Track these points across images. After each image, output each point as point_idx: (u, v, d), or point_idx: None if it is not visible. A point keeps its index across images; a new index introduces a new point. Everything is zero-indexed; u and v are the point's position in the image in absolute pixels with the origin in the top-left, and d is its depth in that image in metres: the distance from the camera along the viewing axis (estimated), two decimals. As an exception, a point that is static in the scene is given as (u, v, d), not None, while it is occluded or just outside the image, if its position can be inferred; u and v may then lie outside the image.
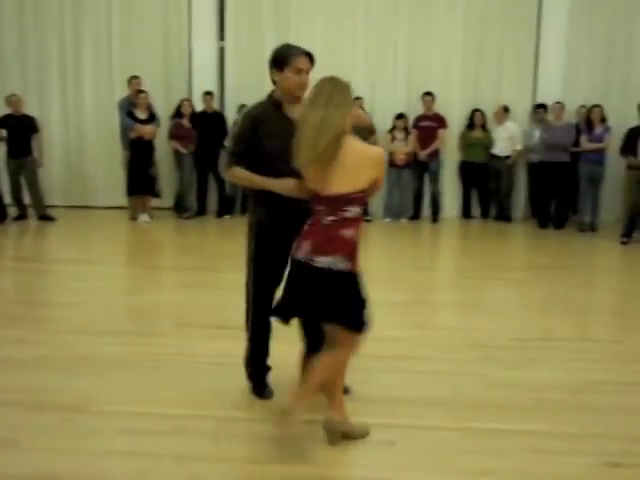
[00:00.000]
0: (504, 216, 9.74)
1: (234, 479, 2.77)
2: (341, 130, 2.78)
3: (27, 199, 9.24)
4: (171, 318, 5.05)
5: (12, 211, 9.13)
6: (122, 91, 9.68)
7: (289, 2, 9.90)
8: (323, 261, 2.80)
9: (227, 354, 4.09)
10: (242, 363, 3.57)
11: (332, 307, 2.85)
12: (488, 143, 9.65)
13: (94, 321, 4.76)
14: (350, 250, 2.83)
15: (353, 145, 2.82)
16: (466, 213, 9.96)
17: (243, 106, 9.63)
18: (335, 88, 2.91)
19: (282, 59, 3.24)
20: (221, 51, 10.18)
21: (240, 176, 3.26)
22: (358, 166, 2.81)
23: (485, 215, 9.94)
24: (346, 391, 3.30)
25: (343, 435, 3.03)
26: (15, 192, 9.14)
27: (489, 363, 4.04)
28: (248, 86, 10.00)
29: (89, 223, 9.35)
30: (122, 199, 9.75)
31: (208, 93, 9.58)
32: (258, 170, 3.16)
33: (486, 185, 9.81)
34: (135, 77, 9.46)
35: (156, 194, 9.38)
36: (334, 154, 2.76)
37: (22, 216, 9.15)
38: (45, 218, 9.09)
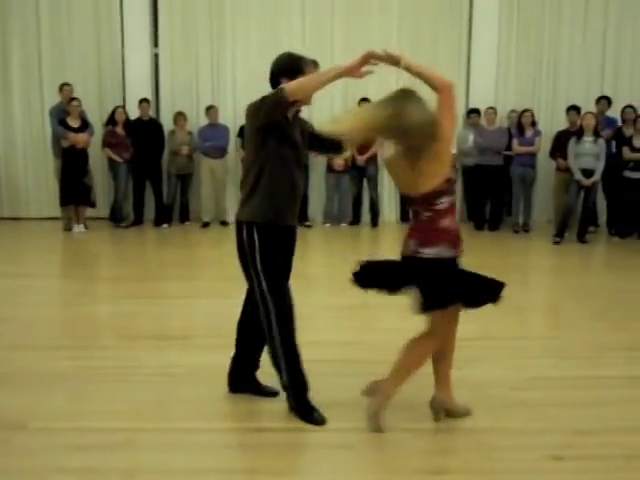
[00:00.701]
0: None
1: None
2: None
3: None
4: (112, 330, 4.94)
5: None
6: (53, 99, 9.44)
7: (223, 8, 9.84)
8: (429, 252, 2.99)
9: (172, 364, 4.04)
10: (280, 388, 3.35)
11: (435, 293, 3.02)
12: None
13: (31, 336, 4.61)
14: (452, 238, 3.03)
15: None
16: (404, 217, 10.09)
17: (180, 113, 9.54)
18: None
19: (295, 67, 3.28)
20: (155, 57, 10.04)
21: (307, 81, 3.03)
22: (429, 160, 2.91)
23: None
24: (273, 394, 3.45)
25: (446, 413, 3.23)
26: (-59, 204, 8.79)
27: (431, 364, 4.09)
28: (183, 93, 9.92)
29: (21, 235, 9.05)
30: (55, 210, 9.48)
31: (144, 100, 9.44)
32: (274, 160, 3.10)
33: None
34: (67, 84, 9.24)
35: (91, 204, 9.17)
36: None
37: (-51, 229, 8.80)
38: (-26, 231, 8.77)
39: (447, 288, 3.05)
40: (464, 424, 3.27)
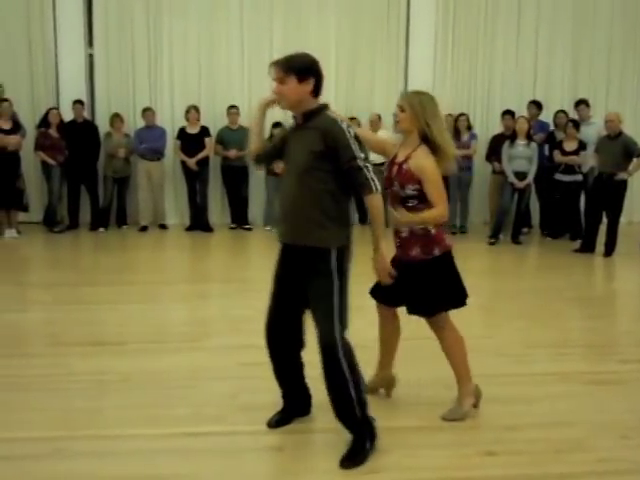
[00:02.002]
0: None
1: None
2: None
3: None
4: (43, 337, 4.80)
5: None
6: (-18, 100, 9.13)
7: (161, 7, 9.70)
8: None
9: (105, 371, 3.96)
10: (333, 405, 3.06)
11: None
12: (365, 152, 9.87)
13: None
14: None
15: None
16: (362, 219, 10.07)
17: (117, 115, 9.36)
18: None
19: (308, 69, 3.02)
20: (90, 58, 9.83)
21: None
22: None
23: (363, 221, 10.16)
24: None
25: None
26: None
27: (367, 365, 4.12)
28: (119, 94, 9.75)
29: (-51, 240, 8.71)
30: (-15, 214, 9.16)
31: (78, 102, 9.22)
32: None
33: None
34: (-3, 85, 8.96)
35: (23, 208, 8.90)
36: None
37: None
38: None
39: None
40: (396, 423, 3.30)
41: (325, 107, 2.99)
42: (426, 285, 3.32)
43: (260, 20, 9.88)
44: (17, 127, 8.79)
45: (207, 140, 9.42)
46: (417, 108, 3.22)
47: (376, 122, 9.81)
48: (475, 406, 3.49)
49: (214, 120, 9.69)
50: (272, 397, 3.48)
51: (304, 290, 3.01)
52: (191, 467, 2.89)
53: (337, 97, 10.05)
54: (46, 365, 4.08)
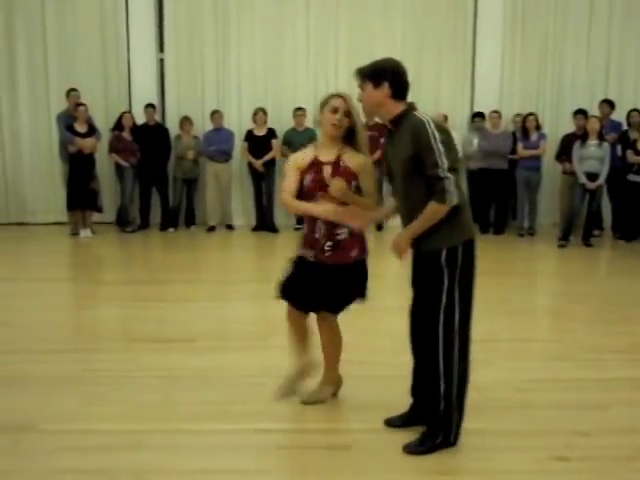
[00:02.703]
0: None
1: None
2: None
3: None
4: (116, 333, 4.96)
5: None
6: (59, 105, 9.50)
7: (229, 12, 9.90)
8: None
9: (175, 367, 4.07)
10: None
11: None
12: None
13: (36, 339, 4.65)
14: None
15: None
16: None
17: (186, 118, 9.58)
18: None
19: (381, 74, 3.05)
20: (161, 63, 10.11)
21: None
22: None
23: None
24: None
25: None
26: (-51, 209, 8.87)
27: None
28: (189, 98, 9.98)
29: (28, 240, 9.11)
30: (62, 214, 9.54)
31: (150, 105, 9.50)
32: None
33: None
34: (73, 90, 9.30)
35: (98, 208, 9.23)
36: None
37: (-43, 234, 8.87)
38: (-19, 236, 8.83)
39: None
40: (465, 424, 3.28)
41: (411, 108, 2.98)
42: (358, 283, 3.40)
43: (326, 23, 9.94)
44: (92, 130, 9.12)
45: (274, 142, 9.54)
46: (354, 111, 3.26)
47: (441, 122, 9.73)
48: (334, 395, 3.57)
49: (280, 122, 9.81)
50: (339, 395, 3.53)
51: (424, 293, 3.06)
52: (260, 462, 2.95)
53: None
54: (120, 360, 4.23)
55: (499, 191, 9.48)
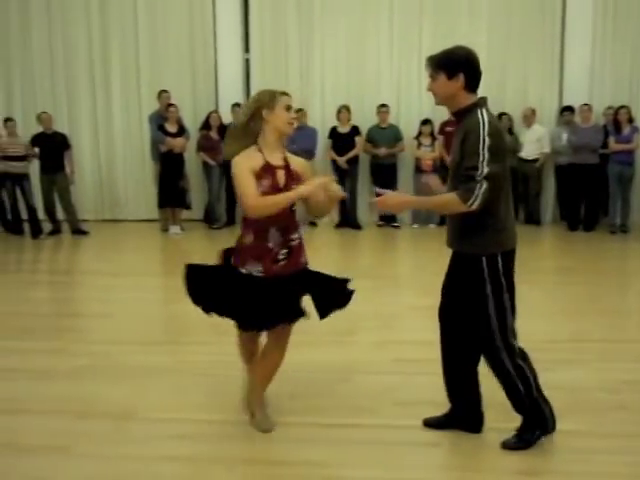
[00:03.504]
0: (533, 219, 9.70)
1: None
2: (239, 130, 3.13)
3: (60, 214, 9.44)
4: (207, 327, 5.08)
5: (46, 226, 9.31)
6: (150, 105, 9.86)
7: (312, 13, 10.00)
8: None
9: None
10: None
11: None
12: (515, 147, 9.64)
13: (131, 331, 4.86)
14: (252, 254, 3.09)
15: None
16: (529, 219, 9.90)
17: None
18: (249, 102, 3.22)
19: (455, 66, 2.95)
20: (246, 63, 10.31)
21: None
22: None
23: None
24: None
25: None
26: (48, 208, 9.35)
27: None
28: (274, 97, 10.14)
29: (121, 236, 9.51)
30: (153, 212, 9.91)
31: (236, 105, 9.71)
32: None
33: (514, 189, 9.74)
34: (165, 91, 9.63)
35: (187, 206, 9.52)
36: None
37: (56, 231, 9.33)
38: (78, 232, 9.27)
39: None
40: (560, 426, 3.21)
41: (478, 104, 2.90)
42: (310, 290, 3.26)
43: (410, 20, 9.88)
44: (182, 130, 9.41)
45: (357, 139, 9.57)
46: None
47: (529, 116, 9.52)
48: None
49: (364, 119, 9.82)
50: (427, 394, 3.53)
51: (463, 297, 3.02)
52: (347, 456, 3.00)
53: (489, 93, 9.83)
54: (209, 353, 4.37)
55: (590, 187, 9.18)
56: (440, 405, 3.30)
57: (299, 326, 4.80)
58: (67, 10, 10.17)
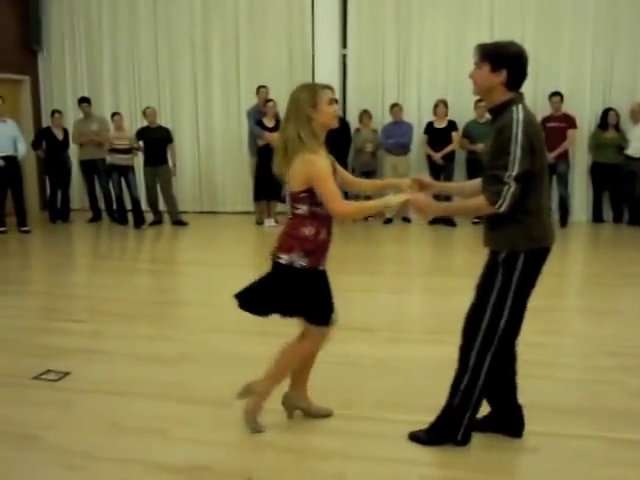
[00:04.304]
0: (638, 220, 9.25)
1: (377, 477, 2.83)
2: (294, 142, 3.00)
3: (162, 205, 9.80)
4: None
5: (148, 217, 9.69)
6: (248, 100, 10.06)
7: (411, 8, 9.90)
8: (284, 257, 3.03)
9: (355, 355, 4.18)
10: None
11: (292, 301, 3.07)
12: (622, 143, 9.22)
13: (227, 320, 4.96)
14: (307, 247, 3.00)
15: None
16: (597, 217, 9.54)
17: (365, 112, 9.74)
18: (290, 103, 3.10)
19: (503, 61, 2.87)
20: (343, 58, 10.34)
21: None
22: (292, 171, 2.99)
23: (618, 219, 9.48)
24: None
25: (304, 412, 3.32)
26: (151, 199, 9.73)
27: (628, 371, 3.88)
28: (369, 92, 10.13)
29: (218, 227, 9.78)
30: (249, 204, 10.13)
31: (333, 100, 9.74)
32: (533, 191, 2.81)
33: (619, 188, 9.36)
34: (263, 87, 9.79)
35: (282, 199, 9.65)
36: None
37: (157, 221, 9.70)
38: (178, 223, 9.59)
39: (286, 298, 3.08)
40: (624, 436, 3.06)
41: (514, 100, 2.79)
42: None
43: (511, 15, 9.58)
44: (279, 125, 9.53)
45: (454, 134, 9.43)
46: None
47: (638, 112, 9.08)
48: (289, 416, 3.31)
49: (460, 114, 9.65)
50: (521, 396, 3.44)
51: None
52: (441, 456, 2.97)
53: (593, 88, 9.51)
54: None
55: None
56: (539, 408, 3.21)
57: (393, 322, 4.79)
58: (171, 9, 10.53)
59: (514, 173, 2.67)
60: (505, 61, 2.81)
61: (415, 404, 3.47)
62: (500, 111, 2.82)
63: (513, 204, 2.72)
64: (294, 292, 3.06)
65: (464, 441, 2.99)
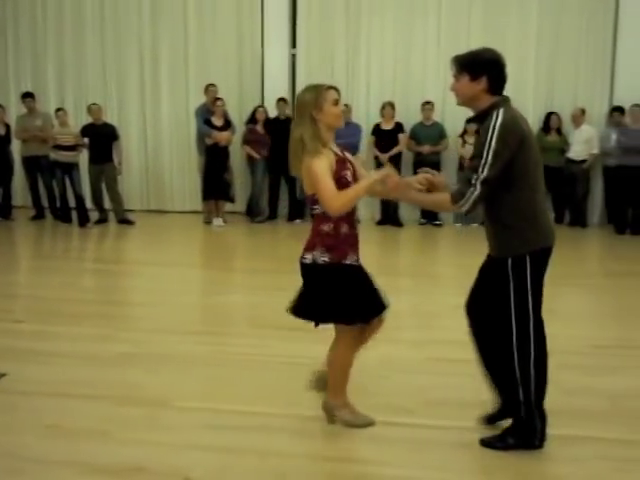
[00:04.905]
0: (579, 221, 9.52)
1: (316, 476, 2.85)
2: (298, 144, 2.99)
3: (107, 204, 9.63)
4: (246, 319, 5.18)
5: (93, 215, 9.51)
6: (197, 99, 9.97)
7: (359, 10, 9.97)
8: (306, 257, 3.06)
9: (302, 355, 4.19)
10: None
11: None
12: (563, 147, 9.48)
13: (172, 320, 4.94)
14: (330, 242, 3.02)
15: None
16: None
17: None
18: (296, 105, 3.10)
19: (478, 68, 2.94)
20: (292, 58, 10.35)
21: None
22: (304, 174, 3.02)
23: (559, 220, 9.74)
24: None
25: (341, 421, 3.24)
26: (96, 197, 9.55)
27: (566, 369, 3.99)
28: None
29: (166, 227, 9.67)
30: (197, 203, 10.05)
31: (281, 99, 9.75)
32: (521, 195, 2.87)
33: (561, 190, 9.62)
34: (212, 85, 9.73)
35: (230, 199, 9.61)
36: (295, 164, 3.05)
37: (102, 220, 9.53)
38: (124, 222, 9.44)
39: (311, 299, 3.10)
40: (595, 433, 3.16)
41: (495, 105, 2.85)
42: None
43: (458, 17, 9.78)
44: (228, 124, 9.50)
45: (401, 136, 9.53)
46: None
47: (578, 116, 9.35)
48: (330, 421, 3.25)
49: (408, 116, 9.77)
50: (462, 394, 3.50)
51: (490, 298, 3.02)
52: (380, 454, 3.00)
53: (537, 92, 9.74)
54: (249, 345, 4.41)
55: (638, 189, 8.96)
56: (475, 406, 3.28)
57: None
58: (119, 4, 10.36)
59: (482, 176, 2.74)
60: (484, 68, 2.87)
61: (359, 404, 3.49)
62: (484, 117, 2.88)
63: (475, 207, 2.80)
64: (321, 290, 3.06)
65: (541, 444, 2.99)
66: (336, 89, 3.09)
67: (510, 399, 3.10)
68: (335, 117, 3.03)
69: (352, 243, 3.12)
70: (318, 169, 2.94)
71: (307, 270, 3.08)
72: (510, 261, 2.88)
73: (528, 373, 2.93)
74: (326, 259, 3.03)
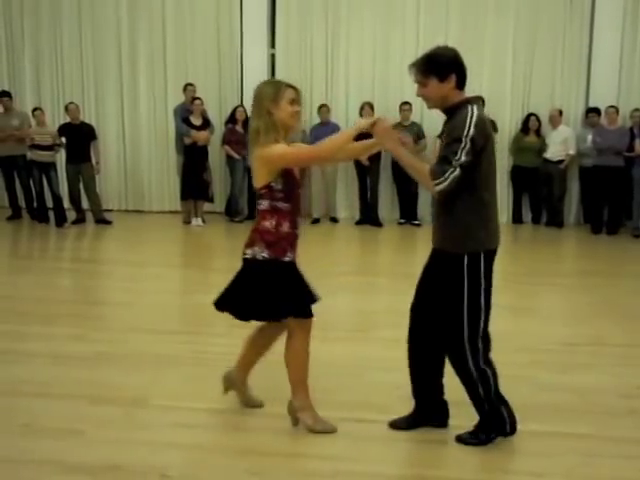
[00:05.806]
0: (556, 221, 9.63)
1: (290, 474, 2.86)
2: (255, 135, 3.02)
3: (85, 203, 9.57)
4: (222, 318, 5.10)
5: (71, 215, 9.43)
6: (176, 98, 9.94)
7: (338, 10, 10.00)
8: (247, 252, 3.10)
9: (278, 352, 4.19)
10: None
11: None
12: (541, 147, 9.58)
13: (149, 320, 4.93)
14: (271, 239, 3.06)
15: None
16: (517, 218, 9.88)
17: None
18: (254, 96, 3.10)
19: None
20: (271, 58, 10.35)
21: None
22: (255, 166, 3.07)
23: (536, 220, 9.85)
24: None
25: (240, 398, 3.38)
26: (73, 197, 9.48)
27: (538, 367, 4.05)
28: (298, 92, 10.17)
29: (144, 227, 9.62)
30: (176, 203, 10.01)
31: (259, 99, 9.74)
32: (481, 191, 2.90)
33: (538, 190, 9.73)
34: (190, 84, 9.70)
35: (209, 199, 9.59)
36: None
37: (80, 220, 9.46)
38: (102, 222, 9.38)
39: (247, 294, 3.13)
40: (567, 429, 3.21)
41: (470, 101, 2.89)
42: None
43: (436, 17, 9.83)
44: (207, 123, 9.48)
45: (380, 136, 9.55)
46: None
47: (555, 117, 9.45)
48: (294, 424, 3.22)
49: (386, 116, 9.78)
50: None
51: (438, 294, 3.02)
52: (354, 451, 3.03)
53: (514, 93, 9.83)
54: (224, 344, 4.38)
55: (614, 189, 9.08)
56: (450, 403, 3.32)
57: (316, 322, 4.82)
58: (96, 3, 10.29)
59: (462, 160, 2.77)
60: (450, 67, 2.91)
61: (334, 401, 3.52)
62: (455, 110, 2.90)
63: (449, 189, 2.80)
64: (260, 285, 3.06)
65: (512, 431, 3.05)
66: (296, 89, 3.08)
67: (430, 404, 3.19)
68: (290, 115, 3.02)
69: (292, 242, 3.15)
70: (279, 150, 2.97)
71: (247, 265, 3.11)
72: (466, 258, 2.90)
73: (482, 368, 2.98)
74: (265, 255, 3.05)
